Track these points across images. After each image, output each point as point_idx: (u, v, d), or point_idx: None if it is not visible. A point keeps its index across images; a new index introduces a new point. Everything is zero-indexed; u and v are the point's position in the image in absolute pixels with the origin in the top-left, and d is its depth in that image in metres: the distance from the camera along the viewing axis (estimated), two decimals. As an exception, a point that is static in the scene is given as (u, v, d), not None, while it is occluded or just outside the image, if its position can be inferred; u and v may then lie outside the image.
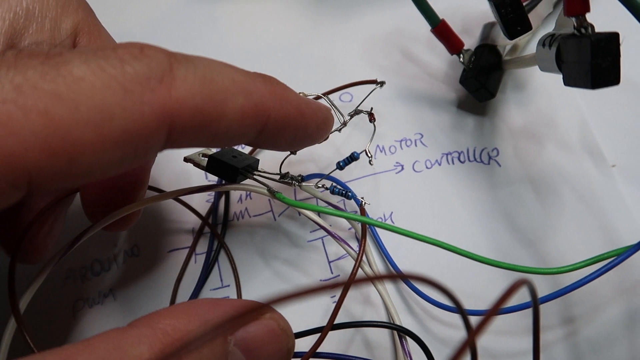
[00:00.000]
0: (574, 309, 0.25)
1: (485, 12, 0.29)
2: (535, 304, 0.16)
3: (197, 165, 0.22)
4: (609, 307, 0.25)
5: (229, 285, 0.27)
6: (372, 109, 0.25)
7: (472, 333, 0.12)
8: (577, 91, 0.29)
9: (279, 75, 0.32)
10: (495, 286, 0.26)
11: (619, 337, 0.25)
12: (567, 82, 0.20)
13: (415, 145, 0.29)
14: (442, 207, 0.28)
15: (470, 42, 0.31)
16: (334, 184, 0.23)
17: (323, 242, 0.27)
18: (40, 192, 0.23)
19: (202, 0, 0.35)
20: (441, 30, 0.27)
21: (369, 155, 0.23)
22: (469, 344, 0.11)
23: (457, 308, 0.14)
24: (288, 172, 0.22)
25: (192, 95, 0.15)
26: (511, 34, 0.23)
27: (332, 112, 0.23)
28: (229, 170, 0.21)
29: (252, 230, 0.28)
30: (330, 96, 0.28)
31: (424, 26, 0.27)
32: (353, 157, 0.21)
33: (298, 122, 0.19)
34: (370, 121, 0.25)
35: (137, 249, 0.28)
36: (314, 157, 0.29)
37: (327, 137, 0.22)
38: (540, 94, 0.30)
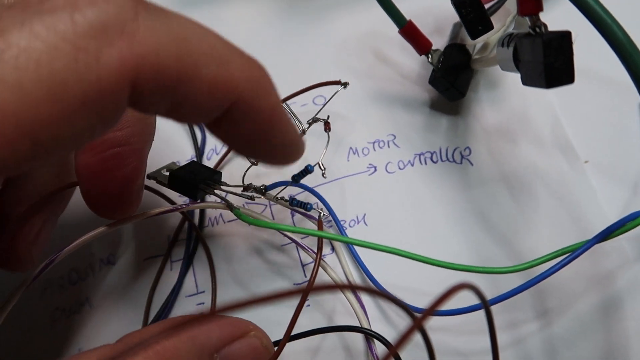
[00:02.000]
0: (547, 302, 0.25)
1: (456, 11, 0.29)
2: (485, 305, 0.16)
3: (159, 182, 0.22)
4: (581, 299, 0.25)
5: (204, 292, 0.27)
6: (328, 117, 0.25)
7: (417, 322, 0.12)
8: (548, 88, 0.29)
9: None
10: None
11: (592, 327, 0.24)
12: (525, 81, 0.20)
13: (388, 146, 0.29)
14: (416, 207, 0.28)
15: (442, 41, 0.31)
16: (293, 197, 0.23)
17: (297, 246, 0.28)
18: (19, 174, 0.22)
19: (172, 5, 0.35)
20: (408, 31, 0.27)
21: (322, 168, 0.23)
22: (416, 328, 0.12)
23: (401, 307, 0.14)
24: (251, 184, 0.22)
25: (159, 50, 0.13)
26: (473, 34, 0.23)
27: (292, 119, 0.23)
28: (188, 186, 0.21)
29: (227, 236, 0.28)
30: (304, 99, 0.29)
31: (395, 28, 0.27)
32: (307, 171, 0.21)
33: (265, 122, 0.16)
34: (325, 130, 0.25)
35: (112, 257, 0.29)
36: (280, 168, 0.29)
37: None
38: (512, 91, 0.30)
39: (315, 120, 0.25)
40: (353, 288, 0.12)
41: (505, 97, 0.30)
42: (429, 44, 0.27)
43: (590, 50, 0.24)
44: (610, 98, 0.29)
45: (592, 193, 0.27)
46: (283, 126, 0.17)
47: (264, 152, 0.18)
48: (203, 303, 0.27)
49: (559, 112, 0.29)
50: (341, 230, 0.27)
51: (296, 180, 0.22)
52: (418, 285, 0.26)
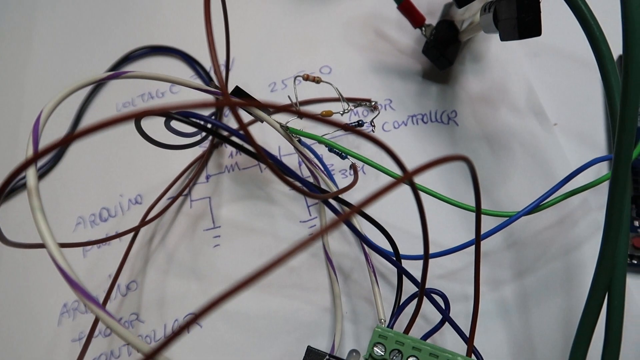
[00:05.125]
0: (523, 262, 0.29)
1: (446, -4, 0.34)
2: (474, 178, 0.19)
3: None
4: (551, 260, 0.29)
5: (220, 227, 0.31)
6: (376, 102, 0.33)
7: (408, 174, 0.15)
8: (525, 61, 0.34)
9: (266, 53, 0.36)
10: (454, 228, 0.30)
11: (558, 285, 0.28)
12: (502, 37, 0.25)
13: (385, 109, 0.34)
14: (408, 161, 0.31)
15: (433, 21, 0.35)
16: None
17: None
18: None
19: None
20: (405, 6, 0.31)
21: (373, 125, 0.30)
22: (407, 179, 0.14)
23: (394, 157, 0.17)
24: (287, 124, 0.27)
25: None
26: (459, 3, 0.27)
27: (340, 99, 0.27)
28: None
29: (241, 181, 0.32)
30: (311, 68, 0.33)
31: (394, 10, 0.32)
32: (359, 124, 0.27)
33: None
34: (372, 111, 0.33)
35: (140, 198, 0.32)
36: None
37: None
38: (493, 64, 0.34)
39: (359, 104, 0.32)
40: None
41: (487, 68, 0.34)
42: (423, 18, 0.32)
43: (559, 30, 0.29)
44: (576, 71, 0.33)
45: (560, 150, 0.31)
46: None
47: None
48: (219, 236, 0.31)
49: (533, 82, 0.33)
50: (330, 177, 0.31)
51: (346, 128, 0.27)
52: (406, 227, 0.30)
